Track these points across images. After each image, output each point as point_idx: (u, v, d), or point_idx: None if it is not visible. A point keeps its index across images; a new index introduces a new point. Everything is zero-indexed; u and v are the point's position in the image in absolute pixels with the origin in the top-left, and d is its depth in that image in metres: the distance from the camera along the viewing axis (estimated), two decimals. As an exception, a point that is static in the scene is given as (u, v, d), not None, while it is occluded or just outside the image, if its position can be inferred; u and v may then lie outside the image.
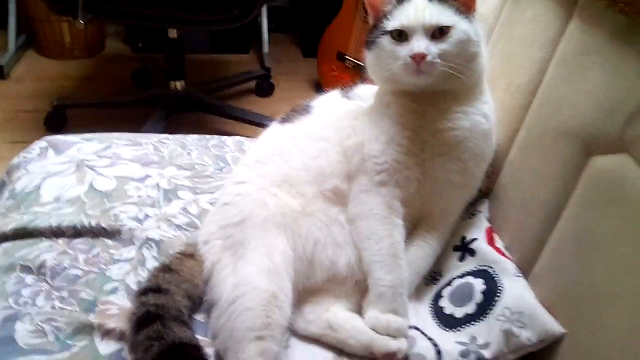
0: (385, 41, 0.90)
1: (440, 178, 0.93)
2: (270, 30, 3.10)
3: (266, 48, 3.04)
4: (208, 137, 1.36)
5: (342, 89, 1.10)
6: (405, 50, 0.87)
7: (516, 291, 0.85)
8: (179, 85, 2.38)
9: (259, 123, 2.32)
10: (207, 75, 2.92)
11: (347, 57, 2.53)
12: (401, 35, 0.89)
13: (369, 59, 0.96)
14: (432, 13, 0.88)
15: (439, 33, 0.87)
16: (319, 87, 2.78)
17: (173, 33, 2.30)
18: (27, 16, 2.89)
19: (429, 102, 0.92)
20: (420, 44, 0.86)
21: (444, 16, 0.88)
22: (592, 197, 0.79)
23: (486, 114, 0.95)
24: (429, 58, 0.86)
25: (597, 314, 0.74)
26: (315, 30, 2.84)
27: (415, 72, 0.87)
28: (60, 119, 2.39)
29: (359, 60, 2.44)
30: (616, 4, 0.80)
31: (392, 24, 0.90)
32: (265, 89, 2.79)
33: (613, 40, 0.81)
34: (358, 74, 2.41)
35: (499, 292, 0.86)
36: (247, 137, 1.43)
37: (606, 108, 0.79)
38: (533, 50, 0.99)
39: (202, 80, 2.74)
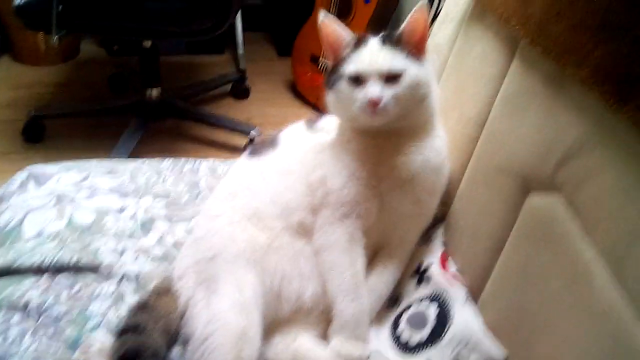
0: (343, 84, 0.96)
1: (396, 209, 1.00)
2: (243, 29, 3.11)
3: (241, 49, 3.06)
4: (182, 160, 1.42)
5: (307, 121, 1.16)
6: (361, 94, 0.93)
7: (464, 318, 0.92)
8: (155, 92, 2.41)
9: (235, 129, 2.38)
10: (182, 78, 2.94)
11: (320, 60, 2.58)
12: (357, 79, 0.95)
13: (329, 98, 1.01)
14: (385, 58, 0.94)
15: (392, 77, 0.93)
16: (295, 88, 2.83)
17: (147, 42, 2.33)
18: (1, 23, 2.90)
19: (385, 138, 0.99)
20: (374, 89, 0.92)
21: (396, 61, 0.94)
22: (527, 232, 0.87)
23: (438, 147, 1.02)
24: (382, 101, 0.92)
25: (533, 341, 0.81)
26: (288, 29, 2.87)
27: (371, 113, 0.93)
28: (37, 129, 2.41)
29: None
30: (549, 53, 0.87)
31: (348, 69, 0.95)
32: (241, 91, 2.83)
33: (546, 85, 0.87)
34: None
35: (450, 318, 0.93)
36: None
37: (540, 149, 0.86)
38: (481, 85, 1.05)
39: (178, 85, 2.77)
